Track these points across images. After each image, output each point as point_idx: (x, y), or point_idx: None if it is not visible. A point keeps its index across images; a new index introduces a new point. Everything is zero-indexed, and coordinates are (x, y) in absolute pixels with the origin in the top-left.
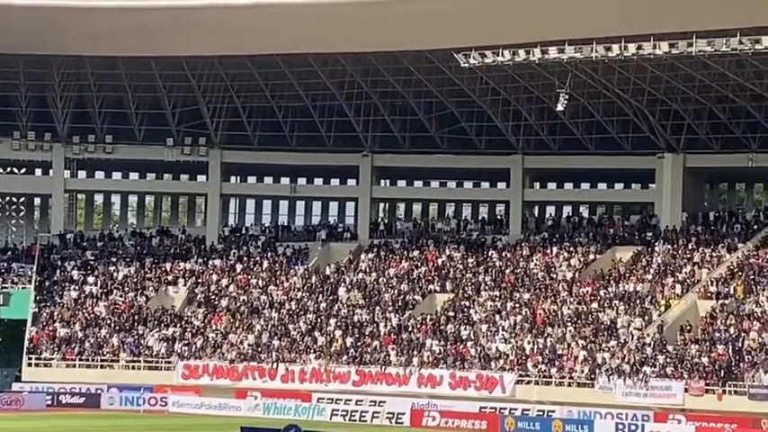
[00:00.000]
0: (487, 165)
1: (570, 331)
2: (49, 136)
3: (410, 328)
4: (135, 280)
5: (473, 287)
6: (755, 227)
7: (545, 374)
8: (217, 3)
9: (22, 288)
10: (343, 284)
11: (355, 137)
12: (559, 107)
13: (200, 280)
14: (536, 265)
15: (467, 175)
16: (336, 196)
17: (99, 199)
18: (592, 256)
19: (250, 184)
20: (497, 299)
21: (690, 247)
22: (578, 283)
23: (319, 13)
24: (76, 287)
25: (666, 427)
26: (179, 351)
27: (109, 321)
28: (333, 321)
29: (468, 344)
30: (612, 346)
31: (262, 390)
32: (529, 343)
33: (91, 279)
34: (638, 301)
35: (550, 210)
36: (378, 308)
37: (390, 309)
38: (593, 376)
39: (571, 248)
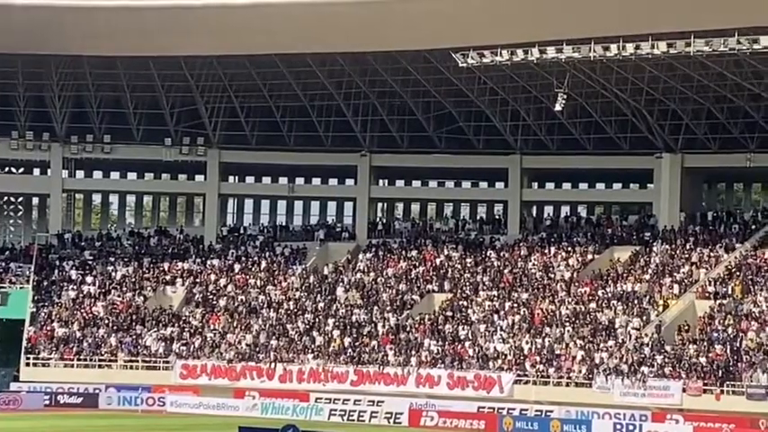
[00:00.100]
0: (486, 164)
1: (568, 331)
2: (47, 136)
3: (408, 328)
4: (133, 280)
5: (471, 287)
6: (753, 227)
7: (543, 374)
8: (215, 2)
9: (20, 288)
10: (341, 284)
11: (353, 137)
12: (557, 107)
13: (198, 280)
14: (534, 264)
15: (465, 175)
16: (335, 196)
17: (97, 199)
18: (590, 256)
19: (248, 184)
20: (495, 299)
21: (688, 247)
22: (576, 283)
23: (317, 13)
24: (74, 287)
25: (664, 427)
26: (177, 351)
27: (107, 321)
28: (331, 321)
29: (467, 344)
30: (610, 346)
31: (260, 389)
32: (527, 343)
33: (89, 279)
34: (636, 301)
35: (548, 210)
36: (376, 308)
37: (388, 308)
38: (591, 376)
39: (569, 248)
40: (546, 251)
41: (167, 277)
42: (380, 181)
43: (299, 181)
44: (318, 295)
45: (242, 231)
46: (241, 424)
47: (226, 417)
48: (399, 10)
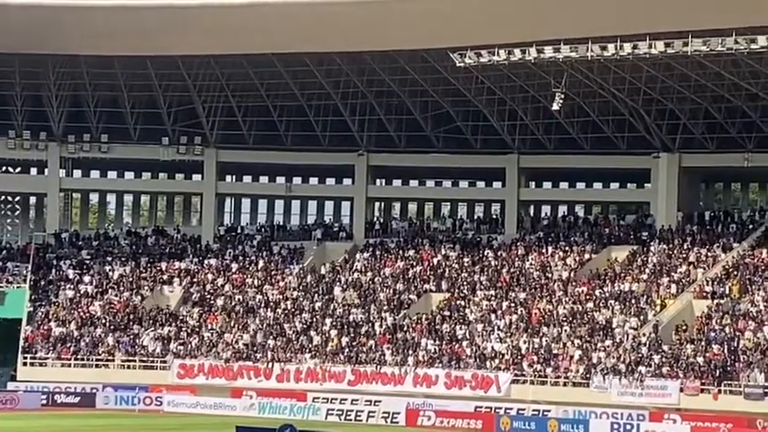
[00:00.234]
0: (483, 164)
1: (566, 331)
2: (44, 135)
3: (405, 328)
4: (130, 279)
5: (468, 286)
6: (751, 227)
7: (540, 374)
8: (212, 2)
9: (18, 287)
10: (338, 284)
11: (351, 136)
12: (555, 106)
13: (195, 279)
14: (531, 264)
15: (462, 175)
16: (332, 195)
17: (94, 198)
18: (587, 256)
19: (245, 184)
20: (493, 298)
21: (685, 246)
22: (574, 283)
23: (315, 13)
24: (72, 286)
25: (662, 427)
26: (174, 350)
27: (104, 321)
28: (328, 321)
29: (464, 343)
30: (608, 346)
31: (257, 389)
32: (524, 342)
33: (86, 278)
34: (633, 301)
35: (546, 209)
36: (373, 307)
37: (386, 308)
38: (588, 376)
39: (567, 248)
40: (543, 251)
41: (164, 277)
42: (378, 180)
43: (297, 180)
44: (316, 295)
45: (239, 231)
46: (238, 424)
47: (223, 416)
48: (397, 9)
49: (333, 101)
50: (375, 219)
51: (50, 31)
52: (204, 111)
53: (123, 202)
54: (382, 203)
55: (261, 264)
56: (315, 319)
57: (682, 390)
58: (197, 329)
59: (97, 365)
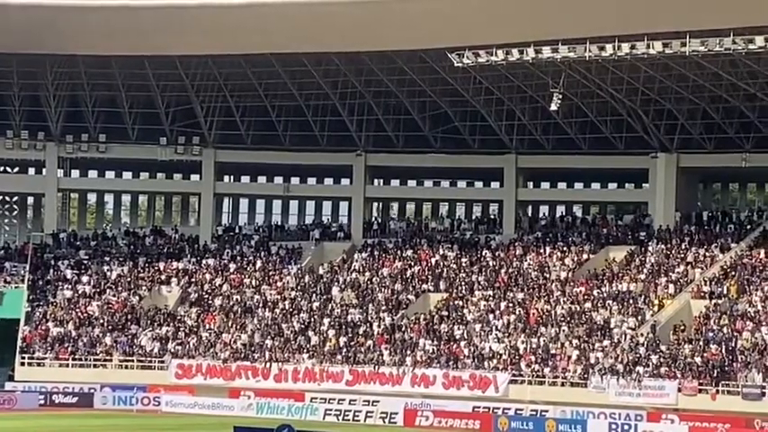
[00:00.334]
0: (481, 164)
1: (564, 331)
2: (42, 135)
3: (403, 328)
4: (128, 279)
5: (466, 287)
6: (749, 227)
7: (538, 374)
8: (210, 2)
9: (15, 287)
10: (336, 284)
11: (349, 136)
12: (553, 107)
13: (193, 279)
14: (529, 264)
15: (460, 175)
16: (330, 196)
17: (92, 198)
18: (585, 256)
19: (243, 184)
20: (491, 298)
21: (683, 246)
22: (572, 283)
23: (313, 13)
24: (70, 286)
25: (660, 427)
26: (172, 350)
27: (102, 321)
28: (326, 321)
29: (462, 343)
30: (606, 346)
31: (255, 389)
32: (522, 343)
33: (84, 278)
34: (631, 301)
35: (544, 209)
36: (371, 307)
37: (384, 308)
38: (586, 376)
39: (564, 248)
40: (541, 251)
41: (162, 277)
42: (376, 180)
43: (295, 180)
44: (314, 295)
45: (237, 231)
46: (236, 424)
47: (221, 416)
48: (395, 10)
49: (331, 101)
50: (373, 219)
51: (48, 30)
52: (202, 111)
53: (121, 202)
54: (380, 203)
55: (259, 264)
56: (313, 320)
57: (679, 390)
58: (195, 329)
59: (95, 365)
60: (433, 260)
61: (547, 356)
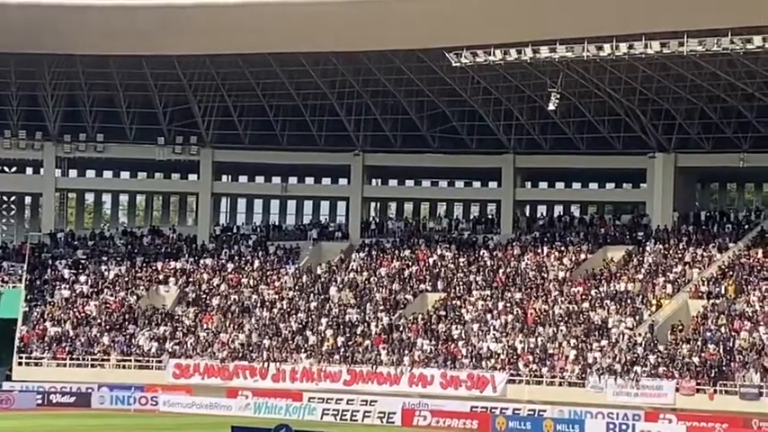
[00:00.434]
0: (479, 164)
1: (561, 331)
2: (40, 135)
3: (401, 328)
4: (126, 279)
5: (464, 286)
6: (746, 227)
7: (536, 374)
8: (208, 2)
9: (13, 287)
10: (334, 284)
11: (347, 136)
12: (551, 106)
13: (191, 279)
14: (527, 264)
15: (458, 175)
16: (328, 195)
17: (90, 198)
18: (583, 256)
19: (241, 183)
20: (489, 298)
21: (681, 246)
22: (569, 283)
23: (310, 12)
24: (67, 286)
25: (657, 427)
26: (170, 350)
27: (100, 320)
28: (324, 321)
29: (460, 343)
30: (603, 346)
31: (253, 389)
32: (520, 342)
33: (82, 278)
34: (629, 301)
35: (542, 209)
36: (369, 307)
37: (381, 308)
38: (584, 376)
39: (562, 248)
40: (539, 251)
41: (160, 276)
42: (373, 180)
43: (292, 180)
44: (311, 295)
45: (235, 231)
46: (234, 423)
47: (218, 416)
48: (392, 9)
49: (329, 101)
50: (371, 219)
51: (46, 30)
52: (200, 110)
53: (119, 201)
54: (378, 203)
55: (256, 264)
56: (310, 319)
57: (677, 390)
58: (192, 329)
59: (92, 365)
60: (431, 260)
61: (545, 356)
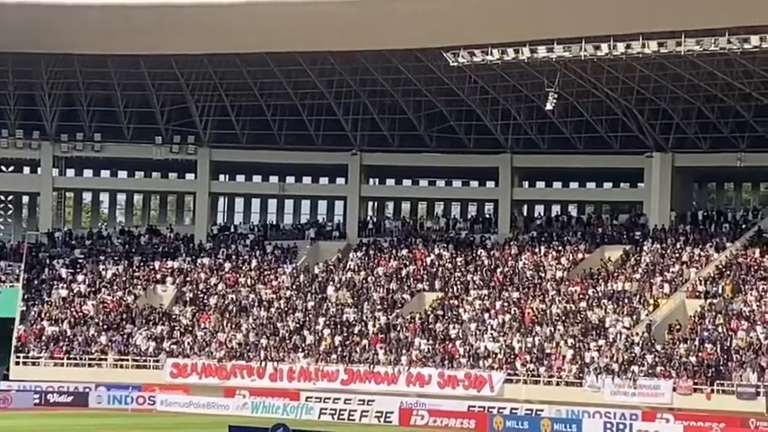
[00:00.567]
0: (476, 163)
1: (559, 330)
2: (37, 134)
3: (399, 327)
4: (123, 278)
5: (462, 286)
6: (744, 226)
7: (533, 373)
8: (205, 1)
9: (10, 286)
10: (331, 283)
11: (344, 135)
12: (548, 106)
13: (188, 278)
14: (525, 264)
15: (456, 174)
16: (325, 195)
17: (87, 197)
18: (580, 255)
19: (239, 183)
20: (486, 298)
21: (678, 246)
22: (567, 283)
23: (308, 12)
24: (65, 285)
25: (655, 427)
26: (167, 350)
27: (97, 320)
28: (321, 320)
29: (457, 343)
30: (601, 346)
31: (250, 388)
32: (517, 342)
33: (79, 277)
34: (626, 301)
35: (539, 209)
36: (366, 306)
37: (379, 307)
38: (581, 375)
39: (560, 247)
40: (536, 250)
41: (158, 276)
42: (371, 180)
43: (290, 180)
44: (309, 294)
45: (232, 230)
46: (231, 423)
47: (216, 416)
48: (390, 9)
49: (326, 100)
50: (368, 218)
51: (43, 29)
52: (197, 110)
53: (116, 201)
54: (375, 203)
55: (254, 263)
56: (308, 319)
57: (674, 389)
58: (190, 329)
59: (90, 365)
60: (429, 259)
61: (542, 356)
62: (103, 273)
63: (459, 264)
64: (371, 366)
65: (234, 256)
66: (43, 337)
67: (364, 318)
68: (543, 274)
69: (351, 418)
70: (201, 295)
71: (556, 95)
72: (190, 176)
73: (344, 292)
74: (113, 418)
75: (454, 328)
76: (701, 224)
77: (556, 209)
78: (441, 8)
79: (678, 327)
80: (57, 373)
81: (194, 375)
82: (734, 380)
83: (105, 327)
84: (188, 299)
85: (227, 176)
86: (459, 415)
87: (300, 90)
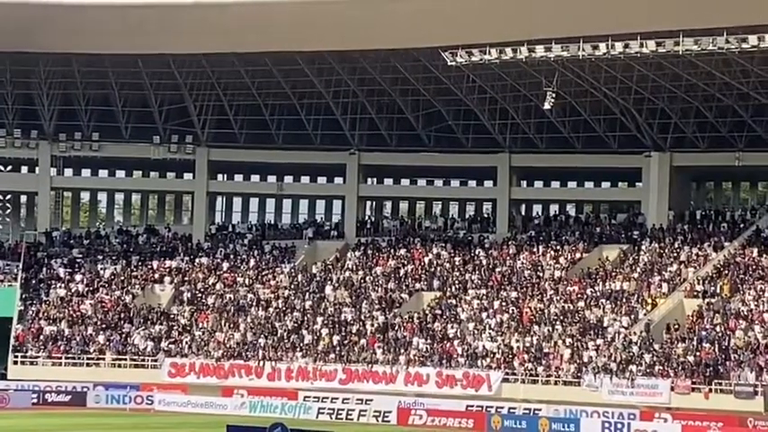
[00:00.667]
0: (474, 163)
1: (557, 330)
2: (35, 133)
3: (397, 327)
4: (121, 278)
5: (460, 285)
6: (742, 225)
7: (531, 373)
8: (204, 1)
9: (8, 286)
10: (329, 283)
11: (342, 135)
12: (546, 105)
13: (186, 278)
14: (523, 263)
15: (454, 174)
16: (323, 194)
17: (85, 197)
18: (579, 255)
19: (237, 182)
20: (484, 297)
21: (676, 245)
22: (565, 282)
23: (306, 12)
24: (63, 285)
25: (653, 426)
26: (165, 349)
27: (95, 319)
28: (319, 320)
29: (455, 342)
30: (599, 345)
31: (248, 388)
32: (516, 341)
33: (77, 277)
34: (624, 300)
35: (537, 208)
36: (364, 306)
37: (377, 307)
38: (579, 375)
39: (558, 247)
40: (535, 250)
41: (156, 275)
42: (369, 179)
43: (288, 179)
44: (307, 293)
45: (230, 230)
46: (229, 422)
47: (214, 415)
48: (388, 8)
49: (324, 100)
50: (366, 218)
51: (41, 29)
52: (195, 109)
53: (114, 200)
54: (374, 202)
55: (252, 262)
56: (306, 318)
57: (672, 389)
58: (188, 328)
59: (88, 364)
60: (427, 259)
61: (540, 355)
62: (101, 272)
63: (457, 263)
64: (370, 366)
65: (232, 256)
66: (41, 337)
67: (362, 317)
68: (541, 274)
69: (349, 417)
70: (200, 295)
71: (554, 95)
72: (188, 176)
73: (342, 291)
74: (111, 417)
75: (452, 327)
76: (699, 223)
77: (554, 208)
78: (439, 8)
79: (676, 326)
80: (55, 372)
81: (192, 375)
82: (732, 379)
83: (103, 326)
84: (186, 298)
85: (225, 176)
86: (458, 414)
87: (298, 89)
